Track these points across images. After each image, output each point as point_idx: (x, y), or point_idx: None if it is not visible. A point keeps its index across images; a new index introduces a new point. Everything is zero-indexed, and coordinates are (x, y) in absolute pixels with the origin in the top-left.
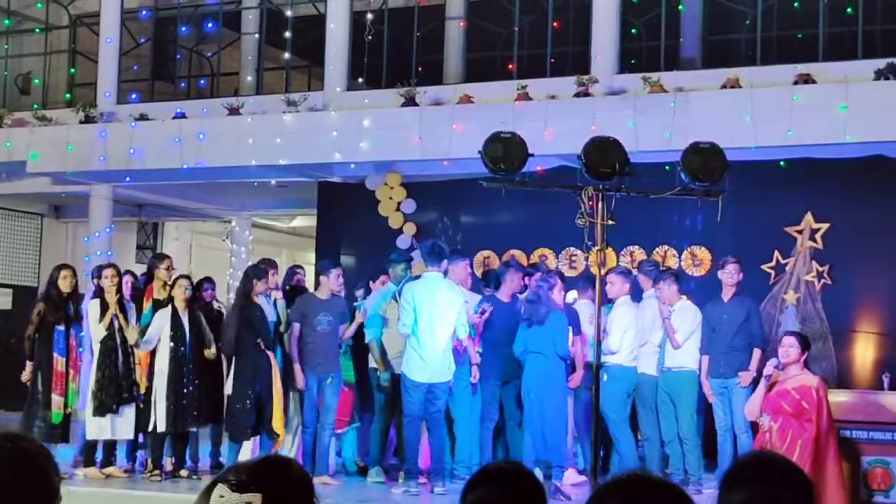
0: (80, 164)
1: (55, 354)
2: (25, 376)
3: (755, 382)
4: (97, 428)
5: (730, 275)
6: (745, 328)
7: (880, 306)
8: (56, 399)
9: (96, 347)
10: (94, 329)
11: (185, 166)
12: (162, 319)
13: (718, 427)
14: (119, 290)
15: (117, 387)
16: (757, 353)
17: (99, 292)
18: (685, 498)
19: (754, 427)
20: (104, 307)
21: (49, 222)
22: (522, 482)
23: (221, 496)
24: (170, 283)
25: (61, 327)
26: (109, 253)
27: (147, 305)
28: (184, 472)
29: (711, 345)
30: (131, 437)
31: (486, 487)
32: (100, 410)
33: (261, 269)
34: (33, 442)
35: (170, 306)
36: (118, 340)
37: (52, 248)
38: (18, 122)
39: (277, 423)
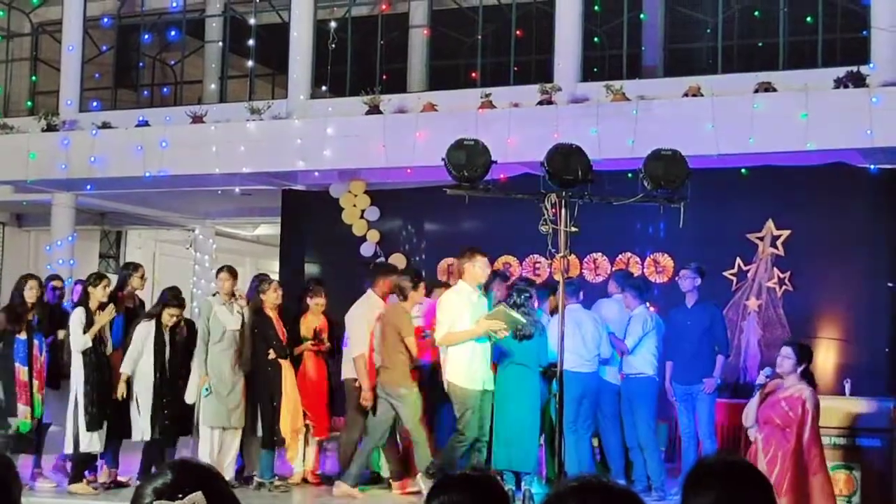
0: (41, 172)
1: (17, 364)
2: None
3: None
4: (89, 441)
5: (682, 281)
6: (709, 334)
7: (841, 312)
8: (22, 408)
9: (78, 358)
10: (77, 339)
11: (147, 174)
12: (144, 335)
13: (682, 433)
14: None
15: (105, 399)
16: (720, 359)
17: (83, 301)
18: (635, 500)
19: (742, 433)
20: (89, 317)
21: (11, 231)
22: (486, 487)
23: None
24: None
25: (22, 336)
26: (72, 262)
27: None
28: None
29: (676, 351)
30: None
31: (449, 493)
32: (92, 424)
33: (266, 280)
34: None
35: (153, 322)
36: (101, 351)
37: (14, 257)
38: None
39: (286, 429)
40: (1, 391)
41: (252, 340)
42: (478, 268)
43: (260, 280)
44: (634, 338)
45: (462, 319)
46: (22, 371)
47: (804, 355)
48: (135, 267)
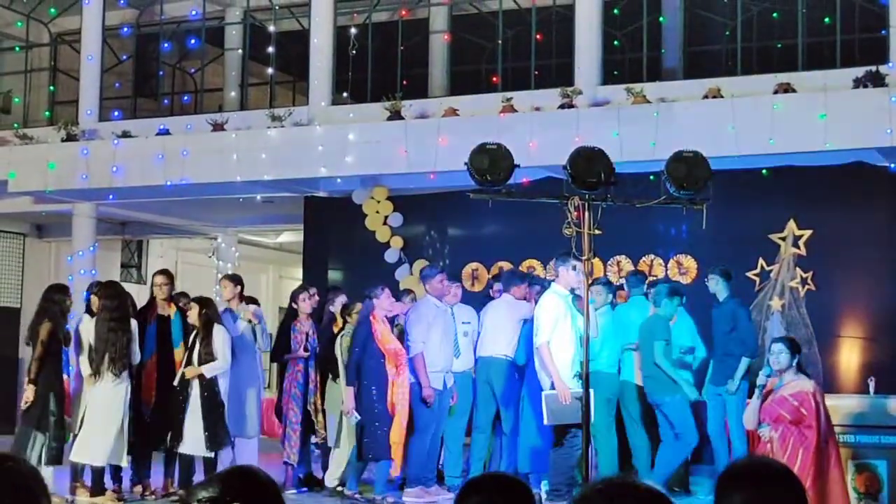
0: (61, 182)
1: (64, 375)
2: (30, 398)
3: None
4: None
5: (709, 285)
6: (735, 336)
7: (864, 311)
8: (68, 420)
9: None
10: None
11: (168, 183)
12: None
13: (712, 434)
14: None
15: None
16: (744, 361)
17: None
18: (667, 502)
19: (749, 434)
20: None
21: (31, 242)
22: (514, 490)
23: None
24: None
25: (67, 347)
26: (93, 272)
27: (152, 320)
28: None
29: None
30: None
31: (478, 495)
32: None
33: (377, 288)
34: (23, 463)
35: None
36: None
37: (35, 268)
38: None
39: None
40: (53, 402)
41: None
42: (571, 272)
43: (372, 287)
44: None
45: (564, 323)
46: (67, 382)
47: (796, 348)
48: (165, 275)
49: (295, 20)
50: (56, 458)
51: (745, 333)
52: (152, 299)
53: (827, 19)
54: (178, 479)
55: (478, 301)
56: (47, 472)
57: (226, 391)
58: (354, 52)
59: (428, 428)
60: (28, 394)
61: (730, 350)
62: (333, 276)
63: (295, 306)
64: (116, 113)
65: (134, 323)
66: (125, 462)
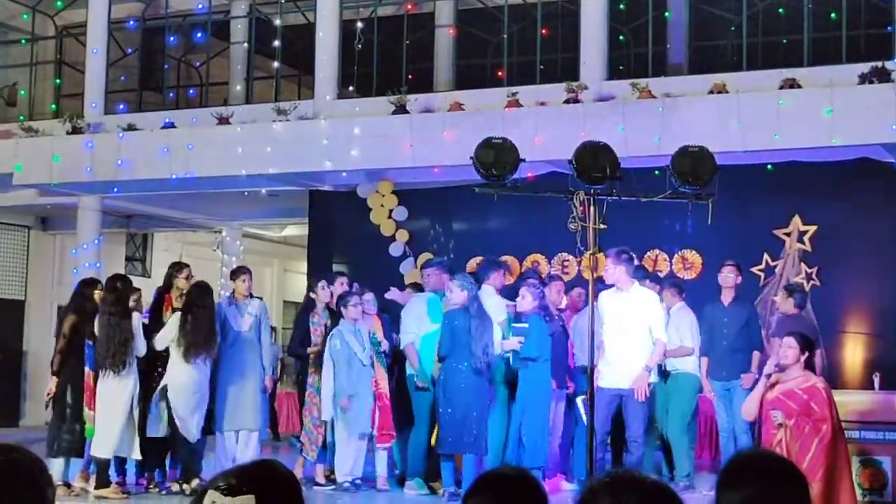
0: (66, 175)
1: (86, 369)
2: (52, 389)
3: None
4: (136, 447)
5: (725, 278)
6: (746, 331)
7: (869, 307)
8: (89, 413)
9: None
10: (141, 344)
11: (173, 176)
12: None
13: (720, 429)
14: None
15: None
16: (756, 355)
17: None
18: (672, 495)
19: (753, 428)
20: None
21: (36, 234)
22: (523, 488)
23: (214, 502)
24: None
25: (90, 341)
26: (98, 265)
27: (167, 315)
28: (175, 487)
29: (712, 347)
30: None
31: (485, 494)
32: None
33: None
34: (26, 454)
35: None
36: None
37: (40, 261)
38: (4, 134)
39: None
40: (70, 394)
41: None
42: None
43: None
44: (694, 334)
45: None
46: (90, 376)
47: (807, 346)
48: (179, 267)
49: (301, 14)
50: (68, 450)
51: (756, 329)
52: (163, 293)
53: (833, 15)
54: (180, 471)
55: None
56: (55, 464)
57: (196, 390)
58: (360, 46)
59: (425, 421)
60: (51, 385)
61: (739, 347)
62: (338, 269)
63: (313, 296)
64: (122, 106)
65: (136, 316)
66: (137, 454)
